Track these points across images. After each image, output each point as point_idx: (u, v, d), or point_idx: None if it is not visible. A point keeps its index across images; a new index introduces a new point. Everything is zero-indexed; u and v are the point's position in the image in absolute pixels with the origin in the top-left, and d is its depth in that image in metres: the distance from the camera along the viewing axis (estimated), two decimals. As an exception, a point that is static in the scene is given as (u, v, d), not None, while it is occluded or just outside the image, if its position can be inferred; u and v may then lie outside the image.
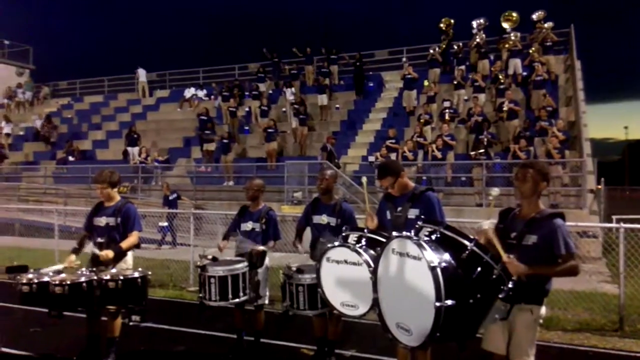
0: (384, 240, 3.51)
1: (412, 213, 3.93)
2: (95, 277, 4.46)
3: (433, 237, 3.04)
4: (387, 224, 4.04)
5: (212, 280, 4.67)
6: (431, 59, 18.60)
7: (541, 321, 3.37)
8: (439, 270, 2.71)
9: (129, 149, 18.65)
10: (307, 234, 5.11)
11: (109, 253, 4.77)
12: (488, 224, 3.29)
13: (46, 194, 18.09)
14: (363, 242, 3.70)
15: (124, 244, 4.93)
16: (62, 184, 17.82)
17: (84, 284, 4.40)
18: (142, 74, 25.07)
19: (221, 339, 5.79)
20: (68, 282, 4.35)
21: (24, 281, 4.47)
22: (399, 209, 4.02)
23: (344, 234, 3.90)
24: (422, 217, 3.82)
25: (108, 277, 4.47)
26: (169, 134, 20.88)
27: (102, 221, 5.01)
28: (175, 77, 26.00)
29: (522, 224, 3.34)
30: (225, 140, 16.90)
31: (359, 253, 3.57)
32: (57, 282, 4.35)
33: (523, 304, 3.25)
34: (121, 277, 4.48)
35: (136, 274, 4.59)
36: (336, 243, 3.79)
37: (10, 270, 5.16)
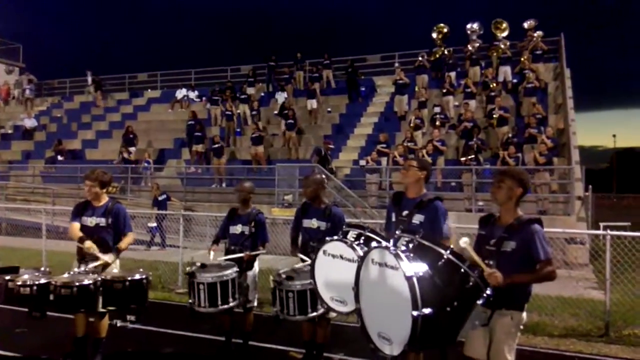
0: (382, 240, 3.54)
1: (417, 219, 3.93)
2: (100, 279, 4.44)
3: (410, 246, 3.08)
4: (392, 226, 4.05)
5: (202, 287, 4.67)
6: (418, 66, 18.70)
7: (522, 327, 3.40)
8: (415, 279, 2.74)
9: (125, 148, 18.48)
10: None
11: (110, 257, 4.82)
12: (465, 241, 3.28)
13: (34, 193, 17.93)
14: (361, 240, 3.70)
15: (124, 245, 4.97)
16: (50, 183, 17.67)
17: (91, 286, 4.37)
18: (89, 75, 25.32)
19: (209, 341, 5.78)
20: (76, 284, 4.31)
21: (20, 283, 4.42)
22: (405, 212, 4.01)
23: (344, 229, 3.89)
24: (427, 223, 3.87)
25: (113, 278, 4.47)
26: (159, 134, 20.79)
27: (91, 221, 4.97)
28: (166, 78, 25.90)
29: (501, 231, 3.38)
30: (218, 145, 16.81)
31: (354, 249, 3.57)
32: (61, 284, 4.30)
33: (504, 310, 3.29)
34: (128, 279, 4.48)
35: (138, 276, 4.58)
36: (335, 237, 3.79)
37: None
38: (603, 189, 40.14)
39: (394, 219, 4.09)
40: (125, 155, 17.86)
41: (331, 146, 15.44)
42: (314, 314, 4.40)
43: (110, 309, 4.64)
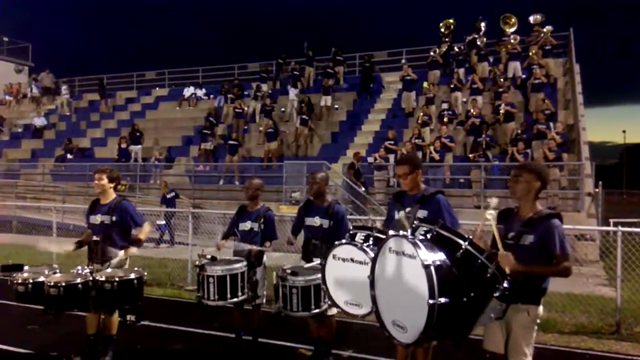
0: None
1: (420, 214, 3.90)
2: (91, 278, 4.45)
3: (429, 236, 3.07)
4: (395, 223, 4.01)
5: (211, 279, 4.68)
6: (432, 61, 18.61)
7: (538, 321, 3.40)
8: (432, 268, 2.74)
9: (132, 147, 18.57)
10: (300, 236, 5.13)
11: (134, 250, 5.00)
12: (491, 214, 3.30)
13: (44, 191, 18.06)
14: (370, 241, 3.70)
15: (142, 235, 5.11)
16: (60, 181, 17.80)
17: (80, 285, 4.38)
18: (63, 89, 25.23)
19: (219, 338, 5.80)
20: (63, 284, 4.32)
21: (19, 281, 4.46)
22: (408, 209, 3.97)
23: (351, 232, 3.89)
24: (430, 219, 3.79)
25: (104, 278, 4.44)
26: (167, 132, 20.86)
27: (97, 219, 5.01)
28: (174, 76, 25.99)
29: (520, 224, 3.37)
30: (235, 142, 16.81)
31: (365, 252, 3.57)
32: (51, 284, 4.33)
33: (520, 304, 3.28)
34: (117, 279, 4.44)
35: (132, 275, 4.56)
36: (343, 240, 3.79)
37: (5, 268, 5.19)
38: (613, 185, 39.85)
39: (396, 216, 4.05)
40: (124, 146, 17.96)
41: (359, 157, 15.03)
42: (317, 310, 4.40)
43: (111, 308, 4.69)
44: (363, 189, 13.16)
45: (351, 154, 16.36)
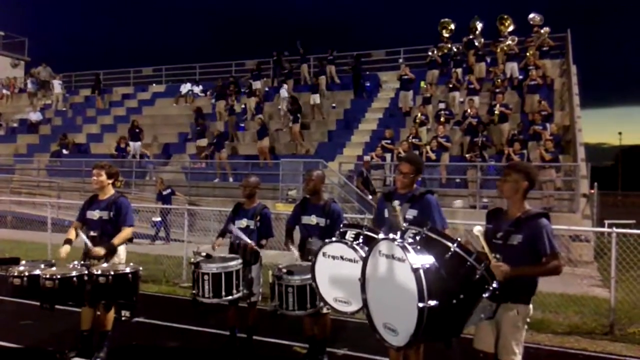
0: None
1: (410, 214, 3.93)
2: (86, 272, 4.44)
3: (417, 238, 3.09)
4: (386, 223, 4.05)
5: (206, 277, 4.67)
6: (430, 61, 18.60)
7: (529, 320, 3.41)
8: (421, 271, 2.77)
9: (131, 143, 18.51)
10: (296, 233, 5.12)
11: (99, 250, 4.73)
12: (478, 230, 3.32)
13: (39, 186, 18.00)
14: (360, 239, 3.71)
15: (116, 240, 4.84)
16: (55, 177, 17.74)
17: (75, 279, 4.37)
18: (56, 85, 25.09)
19: (214, 335, 5.80)
20: (58, 277, 4.31)
21: (15, 274, 4.45)
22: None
23: (341, 230, 3.91)
24: (419, 218, 3.82)
25: (99, 272, 4.42)
26: (164, 129, 20.81)
27: (95, 215, 4.99)
28: (171, 72, 25.93)
29: (508, 224, 3.39)
30: (217, 138, 16.80)
31: (355, 250, 3.59)
32: (47, 276, 4.32)
33: (509, 303, 3.30)
34: (112, 272, 4.42)
35: (127, 270, 4.54)
36: (334, 239, 3.80)
37: (1, 262, 5.18)
38: (608, 187, 39.91)
39: (386, 215, 4.09)
40: (123, 145, 17.99)
41: (368, 165, 14.33)
42: (313, 309, 4.40)
43: (102, 302, 4.65)
44: (370, 197, 13.13)
45: (348, 153, 16.41)
